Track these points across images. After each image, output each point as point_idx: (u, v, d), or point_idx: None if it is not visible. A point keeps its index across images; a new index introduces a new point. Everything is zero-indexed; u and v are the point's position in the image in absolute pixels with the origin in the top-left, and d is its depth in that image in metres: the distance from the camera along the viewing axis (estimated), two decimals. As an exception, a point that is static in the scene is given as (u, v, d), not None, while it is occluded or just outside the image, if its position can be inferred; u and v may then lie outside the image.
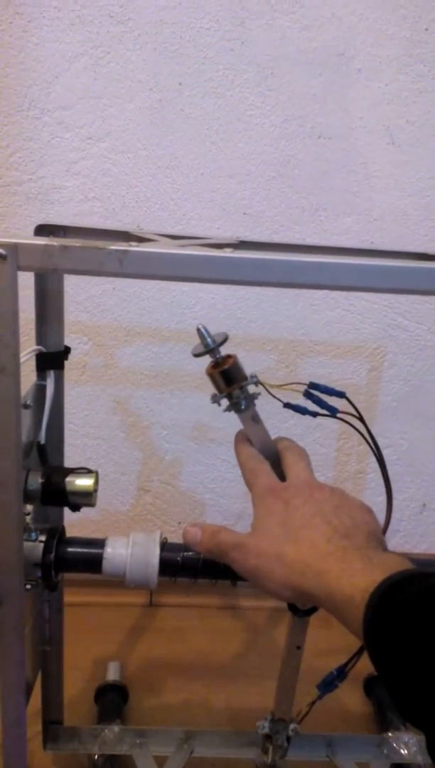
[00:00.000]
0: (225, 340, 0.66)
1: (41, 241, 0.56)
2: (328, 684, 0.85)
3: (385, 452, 1.31)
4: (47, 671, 0.91)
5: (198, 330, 0.65)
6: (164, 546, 0.76)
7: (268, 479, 0.62)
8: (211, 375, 0.67)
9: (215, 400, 0.67)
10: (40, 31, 1.06)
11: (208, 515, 1.37)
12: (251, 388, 0.67)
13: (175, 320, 1.23)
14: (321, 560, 0.53)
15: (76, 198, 1.15)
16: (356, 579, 0.49)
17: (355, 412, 0.73)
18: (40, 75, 1.08)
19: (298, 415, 0.73)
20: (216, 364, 0.66)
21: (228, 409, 0.68)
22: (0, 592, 0.67)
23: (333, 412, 0.73)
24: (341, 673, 0.85)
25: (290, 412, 0.73)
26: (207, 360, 0.66)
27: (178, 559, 0.75)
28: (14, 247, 0.55)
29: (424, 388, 1.28)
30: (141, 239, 0.65)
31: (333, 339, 1.25)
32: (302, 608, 0.78)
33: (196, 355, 0.66)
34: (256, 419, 0.68)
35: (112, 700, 1.04)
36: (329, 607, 0.52)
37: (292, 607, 0.79)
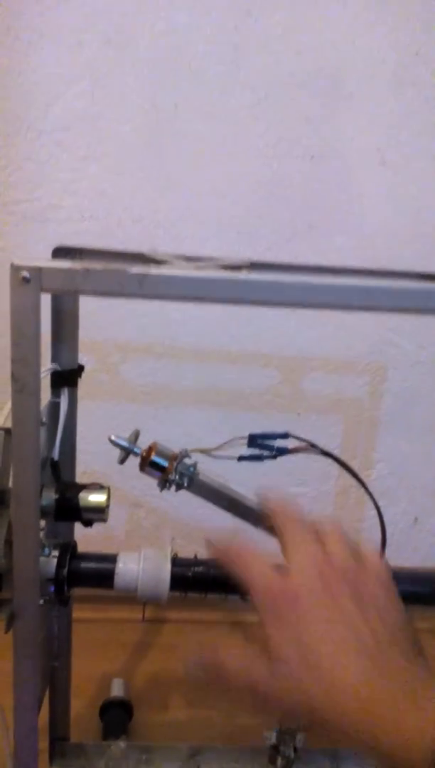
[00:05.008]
0: (137, 435, 0.71)
1: (64, 264, 0.58)
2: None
3: (377, 466, 1.35)
4: (55, 687, 0.91)
5: (110, 440, 0.71)
6: (175, 561, 0.77)
7: (264, 575, 0.51)
8: (145, 472, 0.70)
9: (164, 487, 0.71)
10: (40, 55, 1.07)
11: (203, 531, 1.38)
12: (188, 461, 0.71)
13: (169, 336, 1.24)
14: (356, 698, 0.43)
15: (74, 217, 1.16)
16: (409, 723, 0.41)
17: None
18: (38, 97, 1.10)
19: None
20: (142, 460, 0.70)
21: (178, 489, 0.71)
22: (16, 607, 0.68)
23: (282, 452, 0.76)
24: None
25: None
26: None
27: (189, 574, 0.77)
28: (38, 271, 0.57)
29: (415, 403, 1.30)
30: (157, 262, 0.66)
31: (325, 354, 1.27)
32: None
33: (121, 462, 0.72)
34: (209, 486, 0.72)
35: (117, 716, 1.04)
36: (373, 753, 0.42)
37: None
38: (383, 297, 0.56)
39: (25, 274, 0.57)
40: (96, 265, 0.58)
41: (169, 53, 1.09)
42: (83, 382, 0.81)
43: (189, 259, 0.68)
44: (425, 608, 0.90)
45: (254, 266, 0.69)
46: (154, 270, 0.58)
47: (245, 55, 1.10)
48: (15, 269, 0.57)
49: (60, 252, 0.71)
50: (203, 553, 0.85)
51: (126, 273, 0.58)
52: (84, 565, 0.76)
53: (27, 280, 0.57)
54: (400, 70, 1.11)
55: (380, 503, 0.82)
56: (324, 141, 1.15)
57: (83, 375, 1.04)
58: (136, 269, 0.58)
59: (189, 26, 1.08)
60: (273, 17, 1.08)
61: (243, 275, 0.59)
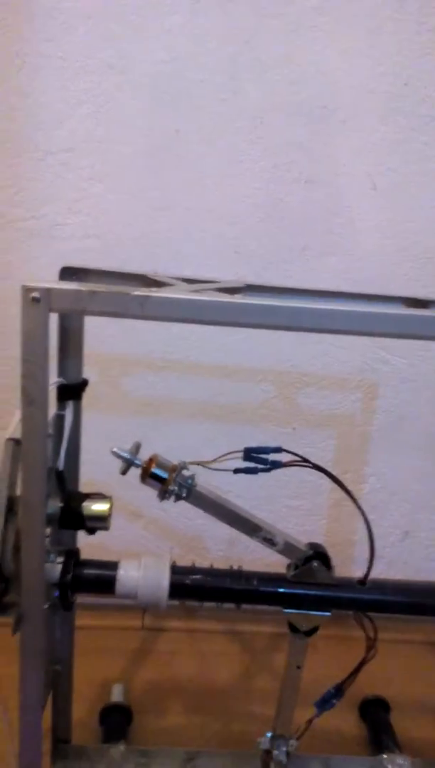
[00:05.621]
0: (138, 447, 0.75)
1: (71, 285, 0.62)
2: (326, 701, 0.90)
3: (369, 480, 1.38)
4: (57, 691, 0.94)
5: (112, 452, 0.75)
6: (173, 569, 0.81)
7: None
8: (145, 483, 0.74)
9: (163, 497, 0.74)
10: (46, 80, 1.12)
11: (200, 541, 1.42)
12: (186, 473, 0.74)
13: (169, 351, 1.28)
14: None
15: (77, 235, 1.21)
16: None
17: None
18: (44, 120, 1.14)
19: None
20: (143, 471, 0.73)
21: (177, 500, 0.75)
22: (22, 611, 0.71)
23: (276, 465, 0.80)
24: (338, 690, 0.89)
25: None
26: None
27: (187, 581, 0.80)
28: (47, 292, 0.61)
29: (405, 418, 1.34)
30: (158, 284, 0.70)
31: (319, 371, 1.31)
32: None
33: (123, 473, 0.75)
34: (206, 497, 0.76)
35: (116, 721, 1.07)
36: None
37: (293, 628, 0.84)
38: (371, 323, 0.60)
39: (36, 294, 0.61)
40: (101, 287, 0.62)
41: (169, 80, 1.14)
42: (85, 395, 0.85)
43: (188, 281, 0.72)
44: (418, 619, 0.94)
45: (251, 288, 0.73)
46: (154, 293, 0.62)
47: (242, 84, 1.15)
48: (26, 290, 0.61)
49: (67, 272, 0.75)
50: (201, 562, 0.88)
51: (129, 296, 0.62)
52: (87, 571, 0.79)
53: (37, 300, 0.61)
54: (390, 99, 1.16)
55: (372, 517, 0.85)
56: (318, 166, 1.19)
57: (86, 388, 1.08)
58: (138, 292, 0.62)
59: (189, 55, 1.13)
60: (269, 48, 1.13)
61: (239, 299, 0.63)
